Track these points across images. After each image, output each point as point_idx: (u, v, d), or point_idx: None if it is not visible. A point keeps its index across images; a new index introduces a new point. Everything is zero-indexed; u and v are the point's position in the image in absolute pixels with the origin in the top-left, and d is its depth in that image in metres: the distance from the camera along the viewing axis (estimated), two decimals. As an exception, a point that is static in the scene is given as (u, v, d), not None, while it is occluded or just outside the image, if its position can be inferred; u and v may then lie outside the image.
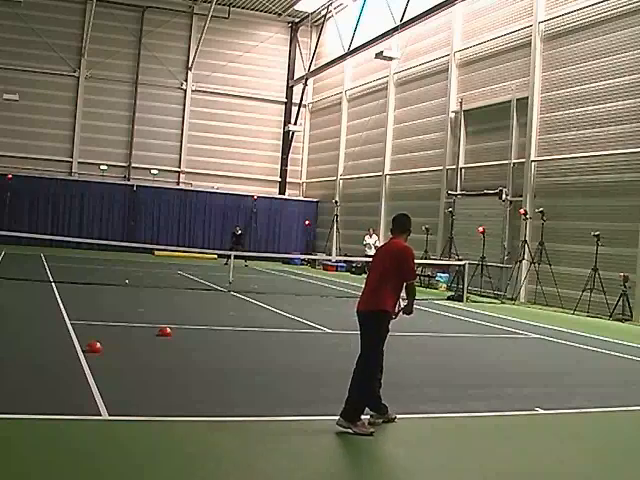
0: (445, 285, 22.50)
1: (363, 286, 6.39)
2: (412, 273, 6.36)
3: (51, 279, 16.78)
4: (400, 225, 6.52)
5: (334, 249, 30.97)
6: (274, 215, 33.98)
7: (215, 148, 34.41)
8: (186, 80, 34.04)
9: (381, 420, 6.14)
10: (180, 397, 6.69)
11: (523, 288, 19.84)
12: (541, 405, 7.24)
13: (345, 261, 28.55)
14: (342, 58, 30.39)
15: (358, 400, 5.97)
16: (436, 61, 25.61)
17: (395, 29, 25.43)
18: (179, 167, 34.05)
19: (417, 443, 5.95)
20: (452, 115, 24.38)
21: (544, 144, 20.16)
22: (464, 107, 23.65)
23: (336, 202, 31.32)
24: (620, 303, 16.56)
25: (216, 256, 28.31)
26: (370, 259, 28.58)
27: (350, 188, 31.54)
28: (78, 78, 32.39)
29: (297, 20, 35.39)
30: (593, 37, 18.66)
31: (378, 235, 27.29)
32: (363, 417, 5.94)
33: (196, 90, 34.21)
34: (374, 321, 6.12)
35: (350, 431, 5.78)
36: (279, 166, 35.63)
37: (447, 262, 22.64)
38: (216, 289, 17.67)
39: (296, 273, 25.92)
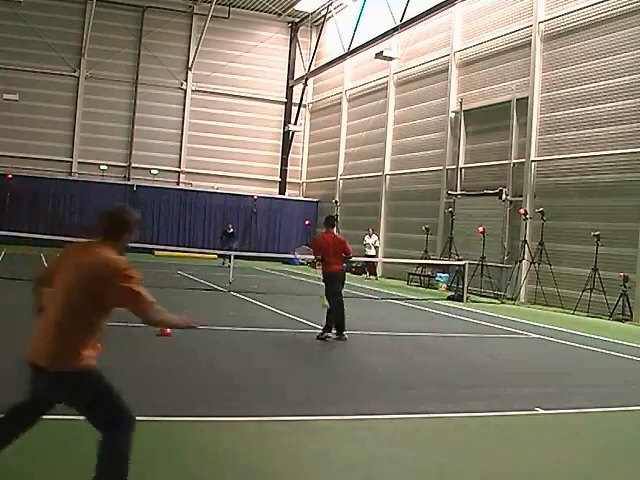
0: (445, 285, 22.49)
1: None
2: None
3: (51, 279, 16.72)
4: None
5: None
6: (274, 215, 33.97)
7: (215, 148, 34.41)
8: (186, 80, 34.04)
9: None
10: (180, 397, 6.69)
11: (523, 288, 19.83)
12: (541, 405, 7.23)
13: (345, 261, 28.48)
14: (342, 58, 30.38)
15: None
16: (436, 61, 25.61)
17: (395, 29, 25.44)
18: (179, 167, 34.07)
19: (417, 443, 5.94)
20: (452, 115, 24.38)
21: (544, 144, 20.16)
22: (464, 107, 23.65)
23: (336, 202, 31.29)
24: (620, 303, 16.55)
25: (216, 256, 28.30)
26: (370, 259, 28.22)
27: (350, 188, 31.53)
28: (78, 78, 32.40)
29: (297, 20, 35.39)
30: (593, 37, 18.66)
31: (378, 235, 27.30)
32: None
33: (196, 90, 34.21)
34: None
35: None
36: (279, 166, 35.63)
37: (447, 262, 22.63)
38: (216, 289, 17.67)
39: (296, 273, 25.90)
